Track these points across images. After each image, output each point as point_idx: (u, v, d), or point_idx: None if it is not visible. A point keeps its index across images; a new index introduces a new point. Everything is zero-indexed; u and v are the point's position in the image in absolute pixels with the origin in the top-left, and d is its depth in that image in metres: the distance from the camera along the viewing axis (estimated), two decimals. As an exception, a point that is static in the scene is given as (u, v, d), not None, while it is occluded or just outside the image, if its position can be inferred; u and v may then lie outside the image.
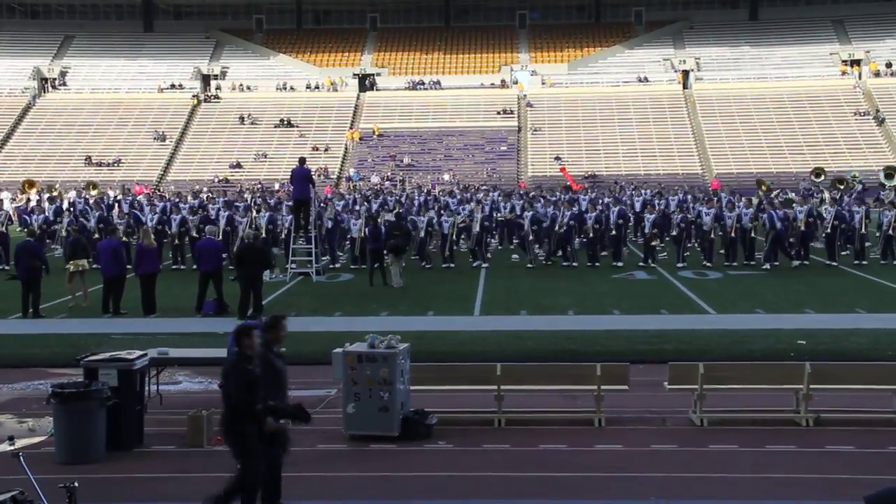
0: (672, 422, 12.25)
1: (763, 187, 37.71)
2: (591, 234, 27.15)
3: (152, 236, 21.85)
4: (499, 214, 30.75)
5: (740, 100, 65.61)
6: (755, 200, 31.27)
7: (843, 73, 68.54)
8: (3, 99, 69.08)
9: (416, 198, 35.15)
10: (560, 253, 27.38)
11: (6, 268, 26.90)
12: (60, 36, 75.77)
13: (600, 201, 31.61)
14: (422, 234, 27.94)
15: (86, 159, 61.29)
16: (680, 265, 26.42)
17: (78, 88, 71.04)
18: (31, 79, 71.10)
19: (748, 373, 12.68)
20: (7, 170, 60.96)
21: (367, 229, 25.64)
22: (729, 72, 69.59)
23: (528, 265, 26.76)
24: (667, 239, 29.03)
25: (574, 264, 26.84)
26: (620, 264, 26.81)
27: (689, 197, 34.44)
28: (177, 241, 27.89)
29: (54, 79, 71.77)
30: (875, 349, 15.77)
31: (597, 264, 26.79)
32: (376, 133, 64.67)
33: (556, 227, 27.19)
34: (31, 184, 38.09)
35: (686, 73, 69.60)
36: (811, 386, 11.93)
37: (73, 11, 77.14)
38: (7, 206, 31.06)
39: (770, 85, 67.19)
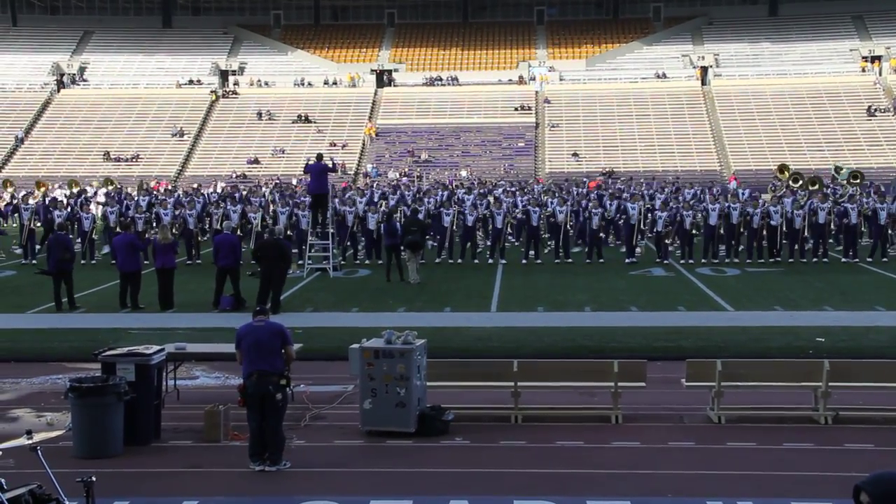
0: (689, 419, 12.20)
1: (785, 173, 36.92)
2: (595, 230, 27.30)
3: (170, 232, 21.92)
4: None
5: (759, 96, 65.25)
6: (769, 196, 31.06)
7: (863, 69, 68.07)
8: (22, 94, 69.46)
9: (439, 194, 34.90)
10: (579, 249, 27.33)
11: (34, 262, 27.23)
12: (79, 31, 76.07)
13: (620, 197, 31.46)
14: (445, 225, 27.93)
15: (104, 155, 61.55)
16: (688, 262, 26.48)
17: (97, 84, 71.31)
18: (50, 74, 71.42)
19: (766, 370, 12.61)
20: (26, 165, 61.29)
21: (382, 225, 25.64)
22: (748, 68, 69.20)
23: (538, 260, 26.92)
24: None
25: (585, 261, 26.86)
26: (635, 261, 26.78)
27: (706, 193, 34.25)
28: (200, 238, 28.12)
29: (73, 74, 72.05)
30: (895, 347, 15.66)
31: (601, 260, 26.80)
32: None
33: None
34: (40, 183, 38.45)
35: (705, 70, 69.21)
36: (830, 383, 11.86)
37: (92, 7, 77.42)
38: (31, 201, 31.20)
39: (789, 81, 66.79)
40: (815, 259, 26.69)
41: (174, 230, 26.50)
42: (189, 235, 27.98)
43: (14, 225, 35.50)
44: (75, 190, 38.67)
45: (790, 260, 26.64)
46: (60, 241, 20.59)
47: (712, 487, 9.76)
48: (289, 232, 28.09)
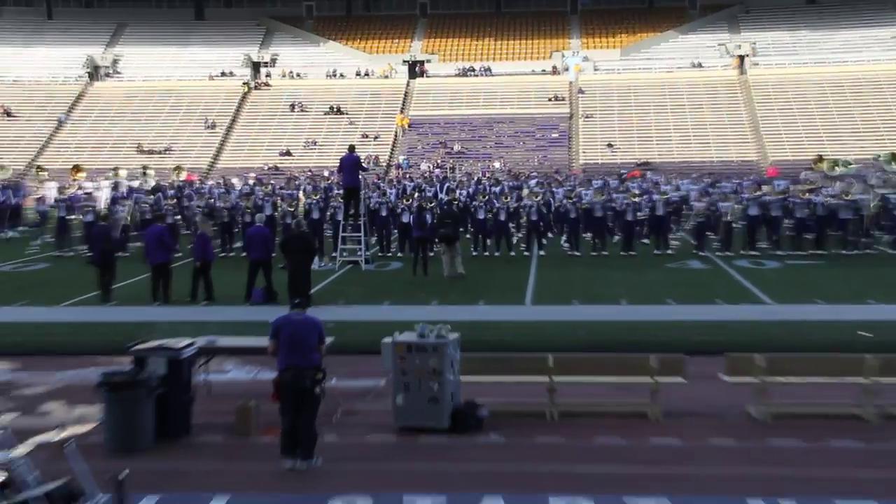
0: (729, 415, 11.90)
1: (822, 164, 36.48)
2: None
3: (210, 225, 22.00)
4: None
5: (798, 85, 64.40)
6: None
7: (904, 56, 66.98)
8: (57, 87, 69.98)
9: (471, 185, 34.65)
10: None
11: (71, 253, 27.47)
12: (113, 24, 76.56)
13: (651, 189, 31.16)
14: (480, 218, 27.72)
15: (137, 147, 61.89)
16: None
17: (130, 76, 71.70)
18: (84, 67, 71.92)
19: (809, 365, 12.27)
20: (61, 157, 61.71)
21: (412, 217, 25.37)
22: (786, 56, 68.31)
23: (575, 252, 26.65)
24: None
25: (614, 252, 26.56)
26: (671, 252, 26.46)
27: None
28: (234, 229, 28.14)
29: (107, 67, 72.52)
30: (941, 341, 15.25)
31: (632, 253, 26.50)
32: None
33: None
34: (77, 169, 38.32)
35: (742, 59, 68.40)
36: (876, 379, 11.52)
37: (126, 0, 77.89)
38: (57, 193, 31.44)
39: (829, 70, 65.81)
40: (855, 251, 26.17)
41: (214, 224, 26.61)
42: (225, 228, 27.94)
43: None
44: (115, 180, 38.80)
45: (832, 251, 26.12)
46: (103, 233, 21.02)
47: (754, 486, 9.49)
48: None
